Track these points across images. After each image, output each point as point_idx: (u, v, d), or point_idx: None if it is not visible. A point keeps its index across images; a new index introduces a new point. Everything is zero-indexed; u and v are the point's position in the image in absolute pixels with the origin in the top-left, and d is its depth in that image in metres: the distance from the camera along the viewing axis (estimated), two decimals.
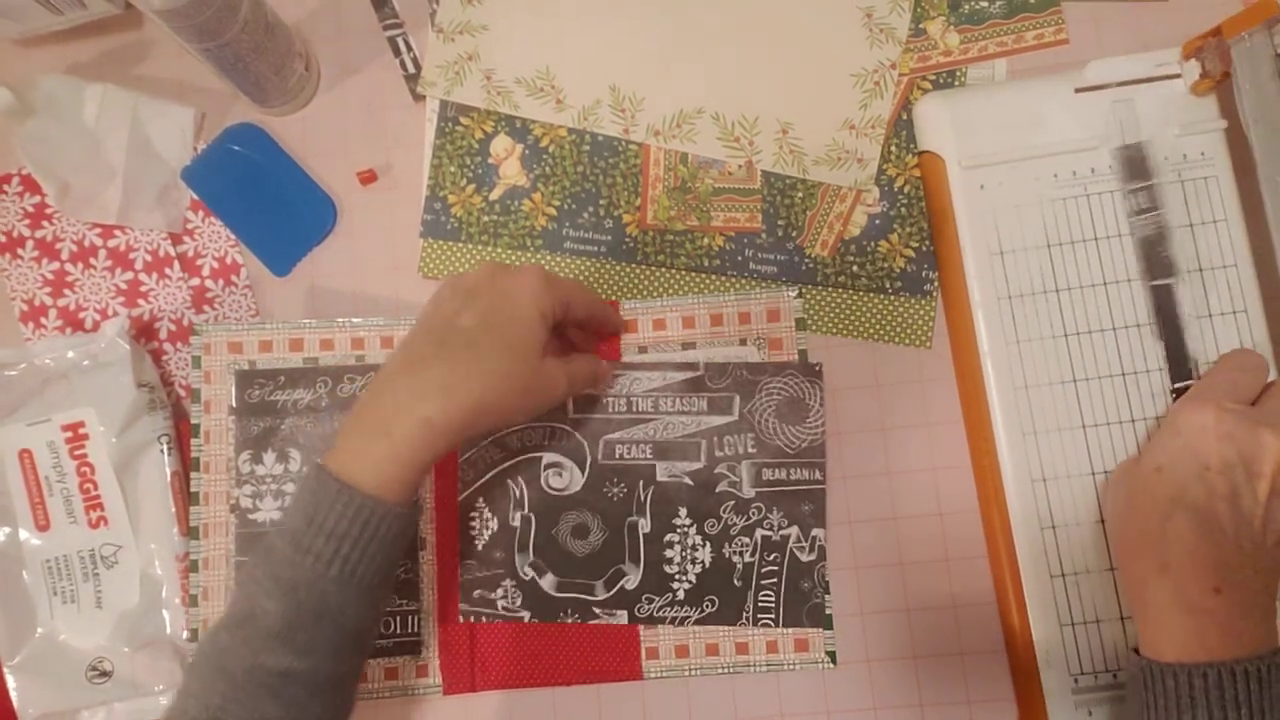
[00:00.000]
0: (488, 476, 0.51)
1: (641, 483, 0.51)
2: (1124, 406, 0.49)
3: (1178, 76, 0.50)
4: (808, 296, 0.53)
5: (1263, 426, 0.40)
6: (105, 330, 0.51)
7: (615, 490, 0.51)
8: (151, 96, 0.55)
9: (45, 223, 0.55)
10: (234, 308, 0.54)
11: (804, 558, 0.50)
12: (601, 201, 0.54)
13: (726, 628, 0.50)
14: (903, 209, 0.54)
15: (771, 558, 0.50)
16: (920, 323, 0.53)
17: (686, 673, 0.50)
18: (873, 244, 0.53)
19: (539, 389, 0.43)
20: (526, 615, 0.50)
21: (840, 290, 0.53)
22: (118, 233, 0.55)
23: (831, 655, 0.50)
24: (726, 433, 0.51)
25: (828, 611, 0.50)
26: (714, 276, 0.54)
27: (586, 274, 0.54)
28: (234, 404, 0.52)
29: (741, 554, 0.50)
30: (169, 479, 0.51)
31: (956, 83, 0.54)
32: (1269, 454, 0.39)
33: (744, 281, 0.53)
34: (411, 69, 0.55)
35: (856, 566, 0.51)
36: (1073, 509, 0.48)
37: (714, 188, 0.54)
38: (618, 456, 0.51)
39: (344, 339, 0.52)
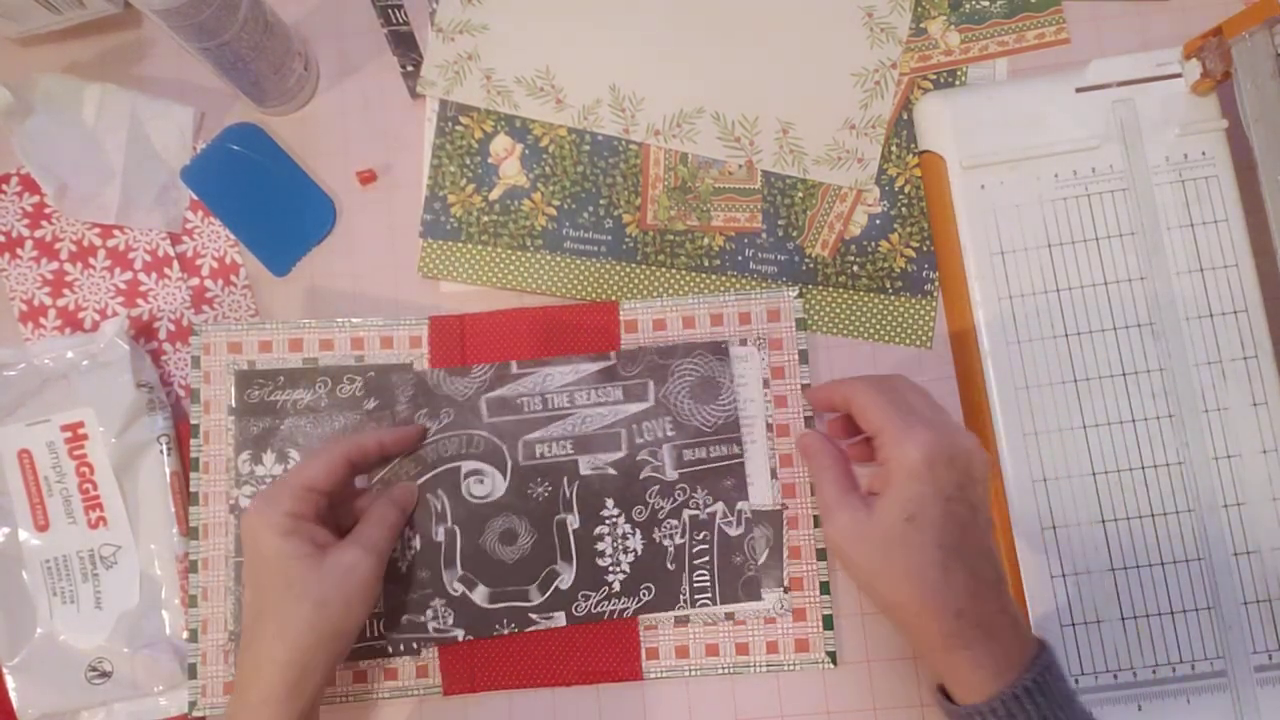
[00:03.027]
0: None
1: (565, 479, 0.50)
2: (1124, 406, 0.49)
3: (1179, 76, 0.50)
4: (808, 296, 0.53)
5: (956, 434, 0.41)
6: (104, 330, 0.51)
7: (540, 490, 0.50)
8: (150, 96, 0.54)
9: (44, 222, 0.55)
10: (233, 308, 0.54)
11: (732, 532, 0.50)
12: (601, 201, 0.54)
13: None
14: (903, 209, 0.53)
15: (701, 536, 0.50)
16: (920, 323, 0.53)
17: (686, 673, 0.50)
18: (873, 244, 0.53)
19: (343, 602, 0.42)
20: (460, 634, 0.49)
21: (840, 290, 0.53)
22: (117, 232, 0.55)
23: (832, 655, 0.50)
24: (644, 419, 0.51)
25: (762, 587, 0.50)
26: (714, 276, 0.54)
27: (586, 274, 0.54)
28: (233, 404, 0.51)
29: (671, 537, 0.50)
30: (168, 479, 0.51)
31: (957, 82, 0.54)
32: (976, 459, 0.41)
33: (744, 281, 0.53)
34: (411, 68, 0.55)
35: None
36: (1073, 509, 0.48)
37: (714, 187, 0.54)
38: (539, 456, 0.51)
39: (343, 339, 0.52)
